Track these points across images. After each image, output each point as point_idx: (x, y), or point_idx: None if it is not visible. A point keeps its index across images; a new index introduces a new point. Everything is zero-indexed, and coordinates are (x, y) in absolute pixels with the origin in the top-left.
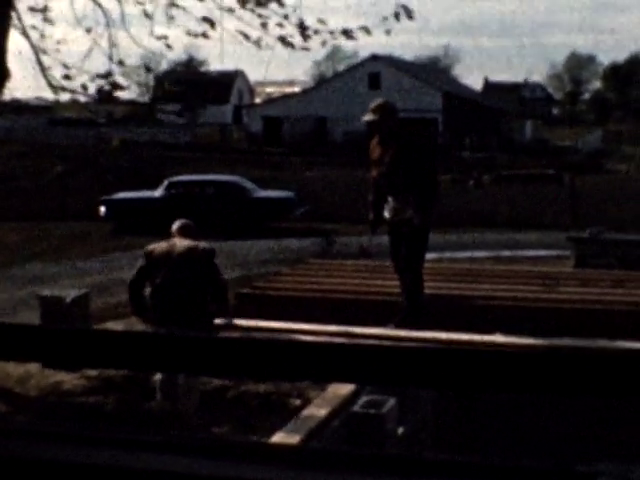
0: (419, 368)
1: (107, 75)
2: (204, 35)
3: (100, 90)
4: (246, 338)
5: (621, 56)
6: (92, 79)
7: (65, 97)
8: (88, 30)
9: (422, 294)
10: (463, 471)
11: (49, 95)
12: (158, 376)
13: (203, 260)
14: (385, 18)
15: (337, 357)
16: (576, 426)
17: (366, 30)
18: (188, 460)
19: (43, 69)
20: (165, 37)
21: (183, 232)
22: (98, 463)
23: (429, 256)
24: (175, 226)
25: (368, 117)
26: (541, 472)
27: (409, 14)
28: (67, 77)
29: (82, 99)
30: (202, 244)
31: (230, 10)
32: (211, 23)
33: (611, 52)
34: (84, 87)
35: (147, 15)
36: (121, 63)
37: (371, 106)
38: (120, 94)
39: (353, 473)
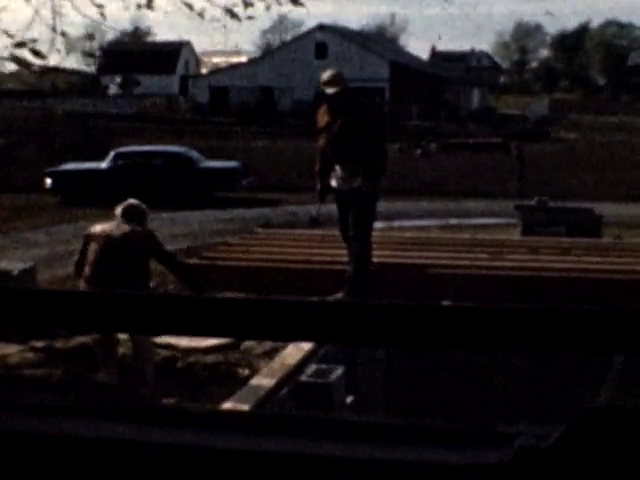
0: (380, 326)
1: (24, 43)
2: (148, 6)
3: (15, 57)
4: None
5: (566, 25)
6: (12, 47)
7: (6, 68)
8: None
9: (370, 263)
10: (382, 432)
11: None
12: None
13: (141, 244)
14: None
15: (295, 315)
16: (500, 386)
17: None
18: (138, 427)
19: None
20: (101, 6)
21: (126, 216)
22: (47, 431)
23: (378, 225)
24: (119, 209)
25: (332, 89)
26: (459, 433)
27: None
28: None
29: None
30: (140, 229)
31: None
32: None
33: (556, 21)
34: (11, 56)
35: None
36: (64, 34)
37: (327, 77)
38: (64, 64)
39: (304, 438)
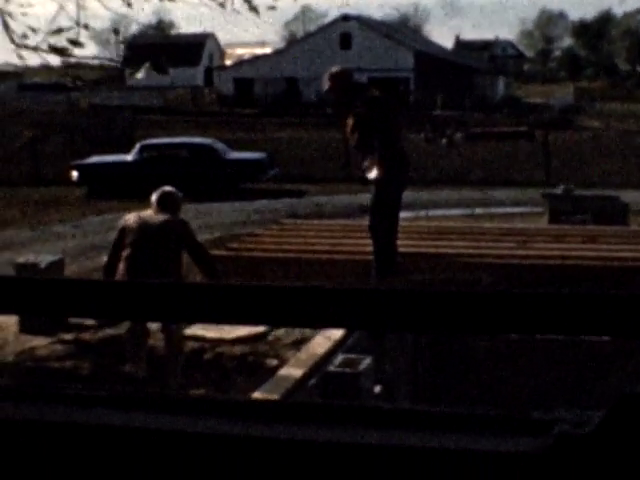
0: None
1: (61, 30)
2: None
3: (55, 47)
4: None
5: (589, 12)
6: (47, 35)
7: (33, 61)
8: None
9: (387, 252)
10: (420, 420)
11: (18, 60)
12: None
13: (176, 234)
14: None
15: (324, 301)
16: (536, 373)
17: None
18: (166, 417)
19: (8, 29)
20: None
21: (162, 204)
22: (82, 421)
23: (403, 215)
24: (154, 197)
25: (325, 86)
26: (498, 419)
27: None
28: (25, 36)
29: (44, 57)
30: (174, 218)
31: None
32: None
33: (579, 8)
34: (49, 45)
35: None
36: (86, 27)
37: (326, 75)
38: (89, 60)
39: (335, 426)
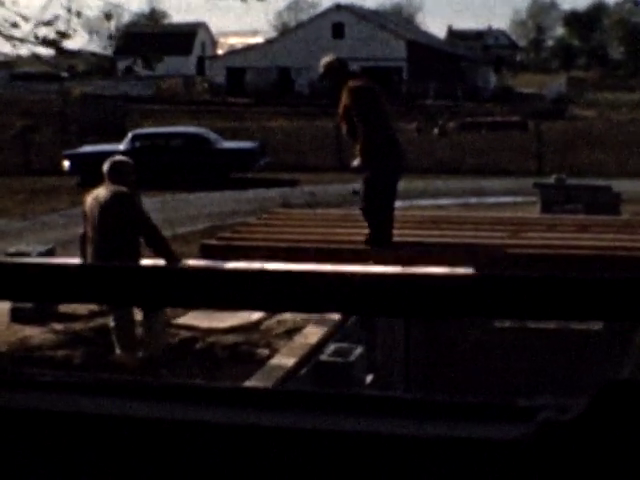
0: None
1: (50, 22)
2: None
3: (45, 39)
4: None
5: (580, 1)
6: (36, 26)
7: (23, 51)
8: None
9: (386, 227)
10: (404, 407)
11: (9, 50)
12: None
13: (120, 208)
14: None
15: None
16: (527, 361)
17: None
18: (156, 404)
19: None
20: None
21: (110, 176)
22: (65, 409)
23: (397, 204)
24: (104, 168)
25: (319, 74)
26: (481, 407)
27: None
28: (15, 25)
29: (32, 48)
30: (119, 190)
31: None
32: None
33: None
34: (36, 36)
35: None
36: (79, 14)
37: (321, 63)
38: (82, 47)
39: (325, 413)
